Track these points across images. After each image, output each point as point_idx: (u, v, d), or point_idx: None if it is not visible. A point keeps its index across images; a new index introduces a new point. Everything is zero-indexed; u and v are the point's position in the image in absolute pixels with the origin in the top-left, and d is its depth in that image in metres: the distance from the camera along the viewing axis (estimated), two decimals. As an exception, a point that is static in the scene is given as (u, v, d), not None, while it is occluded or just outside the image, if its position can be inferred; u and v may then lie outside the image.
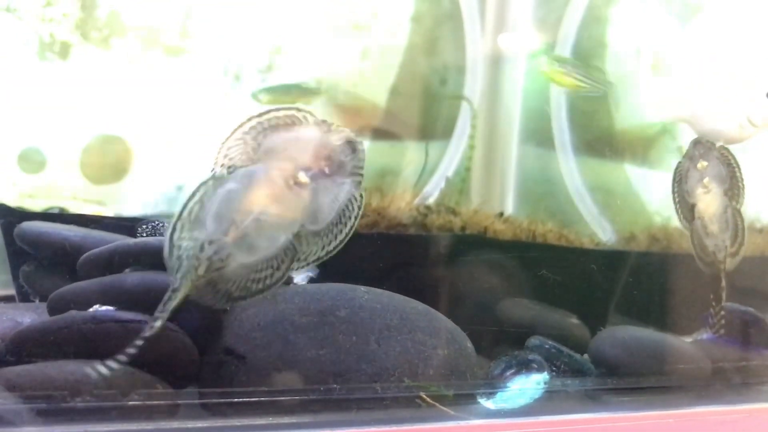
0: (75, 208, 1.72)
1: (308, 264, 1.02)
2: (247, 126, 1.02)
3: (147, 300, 0.96)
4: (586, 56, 2.06)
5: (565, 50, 2.06)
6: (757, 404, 1.29)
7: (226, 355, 1.02)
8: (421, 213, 1.60)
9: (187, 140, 1.83)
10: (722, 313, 1.28)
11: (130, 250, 1.06)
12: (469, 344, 1.15)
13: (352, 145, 1.03)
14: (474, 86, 2.02)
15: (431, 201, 1.75)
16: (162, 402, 0.96)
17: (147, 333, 0.90)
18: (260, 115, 1.03)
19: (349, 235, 1.04)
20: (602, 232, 1.96)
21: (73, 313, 0.98)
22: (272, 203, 0.97)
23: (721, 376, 1.31)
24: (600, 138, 2.08)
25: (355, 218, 1.04)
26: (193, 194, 0.97)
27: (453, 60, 2.04)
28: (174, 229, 0.95)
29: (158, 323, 0.91)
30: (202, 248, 0.94)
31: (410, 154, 2.02)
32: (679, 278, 1.59)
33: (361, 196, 1.04)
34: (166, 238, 0.95)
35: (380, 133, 2.01)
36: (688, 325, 1.55)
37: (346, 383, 1.03)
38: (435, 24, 2.04)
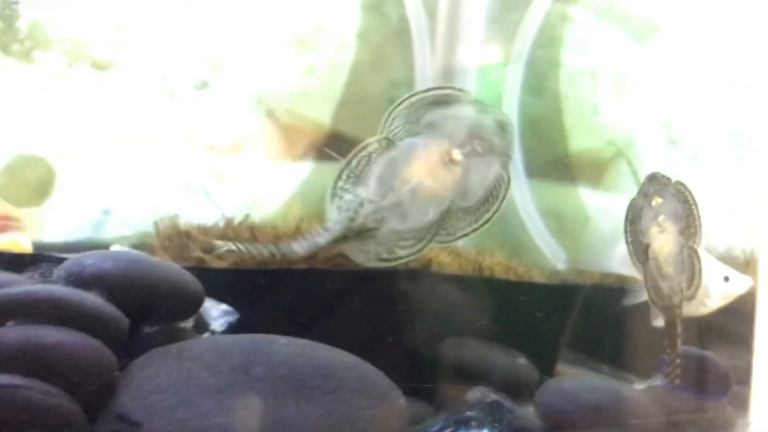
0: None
1: (456, 239, 1.09)
2: (413, 98, 1.07)
3: (28, 360, 0.81)
4: (539, 76, 1.96)
5: (517, 69, 1.95)
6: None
7: (119, 423, 0.88)
8: (363, 243, 1.47)
9: (115, 161, 1.68)
10: (677, 361, 1.16)
11: (11, 300, 0.91)
12: (402, 401, 1.02)
13: (503, 126, 1.06)
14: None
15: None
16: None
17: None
18: (425, 90, 1.08)
19: (496, 214, 1.08)
20: (555, 260, 1.85)
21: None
22: (427, 177, 1.02)
23: (675, 430, 1.20)
24: (553, 161, 1.97)
25: (502, 199, 1.08)
26: (365, 145, 1.04)
27: (402, 78, 1.91)
28: (339, 177, 1.03)
29: (298, 248, 1.01)
30: (361, 204, 1.01)
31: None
32: (634, 314, 1.48)
33: (508, 177, 1.06)
34: (331, 184, 1.03)
35: (326, 154, 1.88)
36: (644, 367, 1.44)
37: (260, 453, 0.89)
38: (383, 40, 1.91)
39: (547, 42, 1.96)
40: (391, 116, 1.07)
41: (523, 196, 1.94)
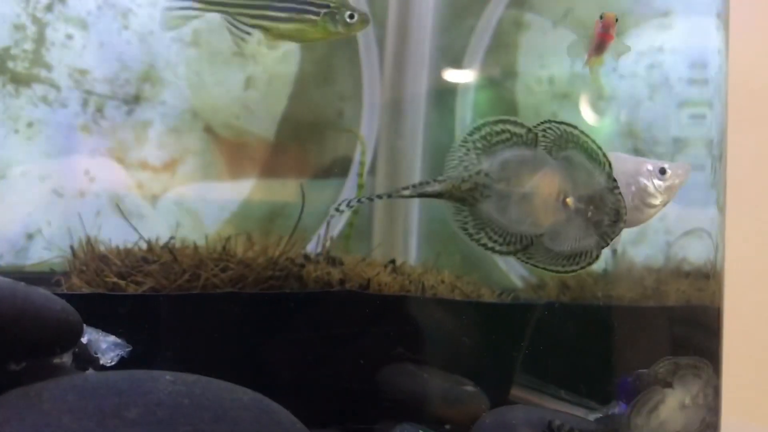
0: None
1: (528, 261, 1.05)
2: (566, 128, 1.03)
3: None
4: (494, 85, 1.83)
5: (470, 79, 1.82)
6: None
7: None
8: (297, 264, 1.32)
9: (39, 182, 1.53)
10: None
11: None
12: (311, 443, 0.86)
13: (618, 214, 1.03)
14: (372, 119, 1.76)
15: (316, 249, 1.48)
16: None
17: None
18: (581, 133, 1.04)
19: (565, 274, 1.06)
20: (513, 276, 1.70)
21: None
22: (541, 196, 1.01)
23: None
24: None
25: (580, 268, 1.05)
26: (516, 124, 1.01)
27: (350, 91, 1.78)
28: (479, 130, 1.01)
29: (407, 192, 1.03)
30: (478, 173, 1.00)
31: (308, 194, 1.75)
32: (592, 334, 1.34)
33: (596, 257, 1.05)
34: (467, 132, 1.01)
35: (268, 170, 1.73)
36: (605, 390, 1.30)
37: None
38: (329, 52, 1.78)
39: (502, 50, 1.83)
40: (547, 125, 1.03)
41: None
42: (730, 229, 1.57)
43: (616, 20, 1.19)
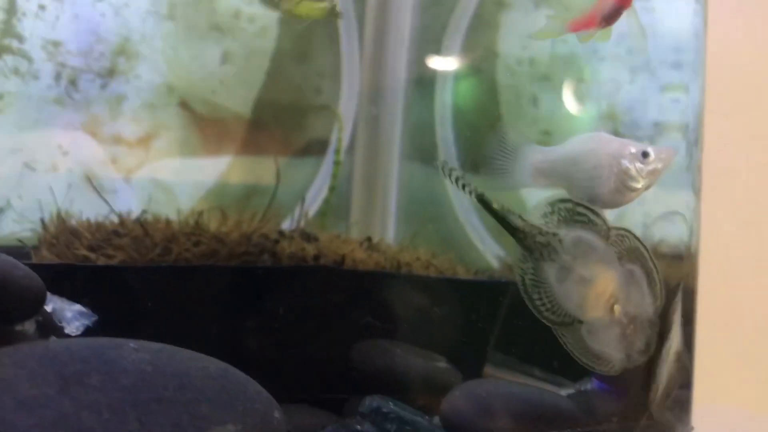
0: None
1: (564, 342, 1.06)
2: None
3: None
4: (474, 65, 1.81)
5: (450, 60, 1.80)
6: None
7: None
8: (271, 240, 1.31)
9: (10, 155, 1.51)
10: None
11: None
12: (278, 413, 0.85)
13: (648, 347, 1.06)
14: (351, 96, 1.74)
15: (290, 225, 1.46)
16: None
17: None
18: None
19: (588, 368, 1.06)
20: (489, 256, 1.70)
21: None
22: (594, 285, 1.04)
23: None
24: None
25: (598, 371, 1.06)
26: (587, 206, 1.05)
27: (329, 67, 1.76)
28: (561, 201, 1.05)
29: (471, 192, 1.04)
30: (555, 234, 1.03)
31: (283, 171, 1.73)
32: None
33: (616, 371, 1.05)
34: (558, 199, 1.05)
35: (245, 147, 1.71)
36: (579, 369, 1.30)
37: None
38: (307, 27, 1.75)
39: (483, 29, 1.81)
40: (624, 233, 1.08)
41: (459, 192, 1.78)
42: (706, 213, 1.57)
43: None
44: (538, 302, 1.05)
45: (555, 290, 1.05)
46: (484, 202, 1.07)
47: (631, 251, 1.06)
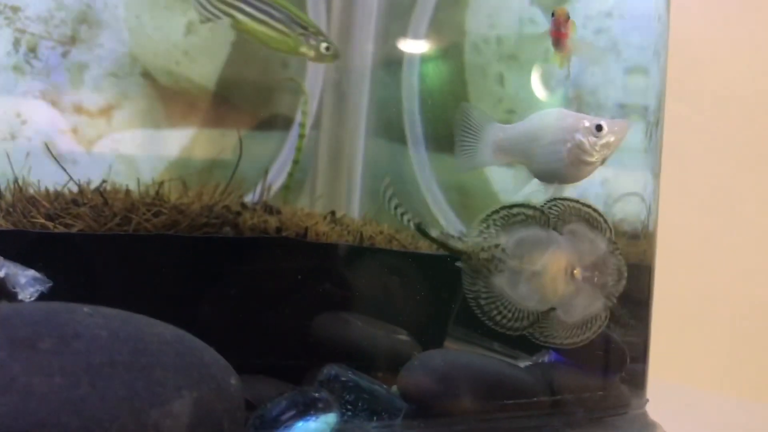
0: None
1: (544, 343, 1.08)
2: (570, 204, 1.09)
3: None
4: (442, 42, 1.81)
5: (418, 36, 1.79)
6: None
7: None
8: (233, 212, 1.30)
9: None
10: None
11: None
12: (234, 380, 0.85)
13: (620, 273, 1.09)
14: (317, 71, 1.72)
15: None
16: None
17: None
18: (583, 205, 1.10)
19: (585, 342, 1.08)
20: (454, 232, 1.71)
21: None
22: (550, 273, 1.06)
23: (561, 410, 1.06)
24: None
25: (594, 333, 1.08)
26: (519, 204, 1.07)
27: (296, 41, 1.73)
28: (495, 212, 1.07)
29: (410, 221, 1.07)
30: (496, 246, 1.05)
31: (248, 145, 1.71)
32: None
33: (606, 317, 1.09)
34: (494, 209, 1.07)
35: (209, 120, 1.69)
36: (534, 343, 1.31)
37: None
38: None
39: (451, 6, 1.81)
40: (552, 203, 1.09)
41: (424, 169, 1.79)
42: (665, 194, 1.60)
43: (568, 17, 1.19)
44: (499, 318, 1.06)
45: (512, 298, 1.06)
46: (422, 231, 1.10)
47: (564, 213, 1.08)
